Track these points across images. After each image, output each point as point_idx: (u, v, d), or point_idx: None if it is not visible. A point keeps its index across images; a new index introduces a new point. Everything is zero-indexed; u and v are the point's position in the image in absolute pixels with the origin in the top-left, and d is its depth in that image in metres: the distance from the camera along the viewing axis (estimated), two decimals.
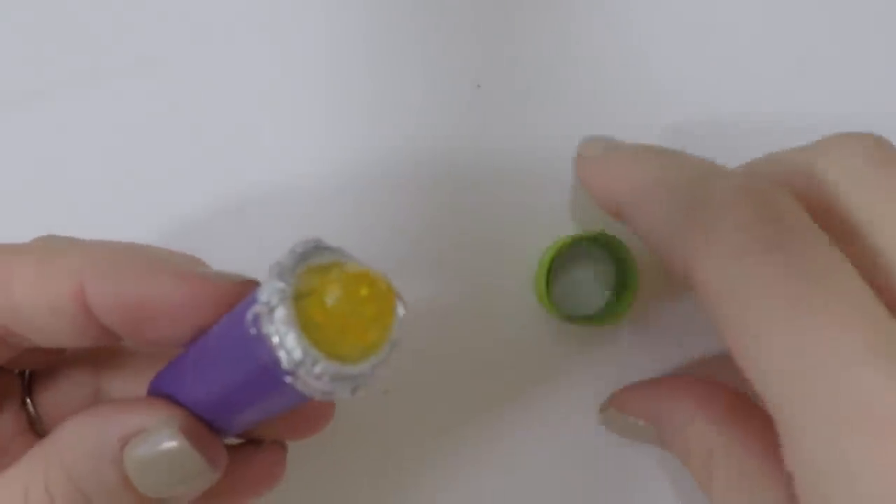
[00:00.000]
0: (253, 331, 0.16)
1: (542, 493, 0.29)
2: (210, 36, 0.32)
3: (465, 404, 0.30)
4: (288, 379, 0.16)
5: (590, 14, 0.31)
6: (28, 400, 0.21)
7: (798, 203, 0.18)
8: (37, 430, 0.21)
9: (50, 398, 0.21)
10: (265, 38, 0.32)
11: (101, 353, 0.22)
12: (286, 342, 0.16)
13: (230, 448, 0.20)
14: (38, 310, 0.18)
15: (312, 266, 0.17)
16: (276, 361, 0.16)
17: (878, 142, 0.20)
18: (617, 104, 0.31)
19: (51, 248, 0.19)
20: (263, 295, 0.16)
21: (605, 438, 0.29)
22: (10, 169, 0.31)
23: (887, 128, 0.29)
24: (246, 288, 0.19)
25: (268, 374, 0.16)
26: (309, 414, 0.21)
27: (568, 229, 0.30)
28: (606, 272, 0.30)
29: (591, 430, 0.29)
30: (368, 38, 0.31)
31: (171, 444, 0.18)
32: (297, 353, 0.16)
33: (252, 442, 0.21)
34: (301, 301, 0.16)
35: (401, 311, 0.17)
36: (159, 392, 0.19)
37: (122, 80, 0.32)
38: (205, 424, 0.18)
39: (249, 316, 0.16)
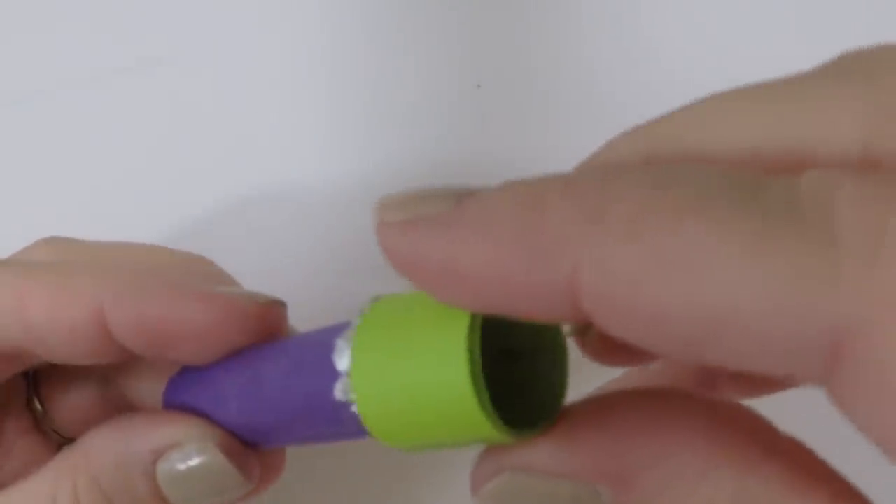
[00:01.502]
0: (335, 396, 0.16)
1: None
2: (209, 37, 0.32)
3: None
4: (367, 435, 0.16)
5: (590, 14, 0.32)
6: (35, 398, 0.21)
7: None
8: (43, 428, 0.21)
9: (56, 395, 0.21)
10: (265, 38, 0.32)
11: None
12: None
13: None
14: (55, 331, 0.18)
15: None
16: (359, 423, 0.16)
17: None
18: (617, 104, 0.31)
19: (68, 266, 0.19)
20: (343, 363, 0.16)
21: None
22: (11, 168, 0.31)
23: None
24: (272, 310, 0.19)
25: (346, 429, 0.16)
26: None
27: None
28: None
29: None
30: (369, 38, 0.32)
31: (207, 458, 0.18)
32: None
33: None
34: None
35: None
36: (181, 404, 0.19)
37: (122, 80, 0.32)
38: (238, 438, 0.19)
39: (338, 387, 0.16)
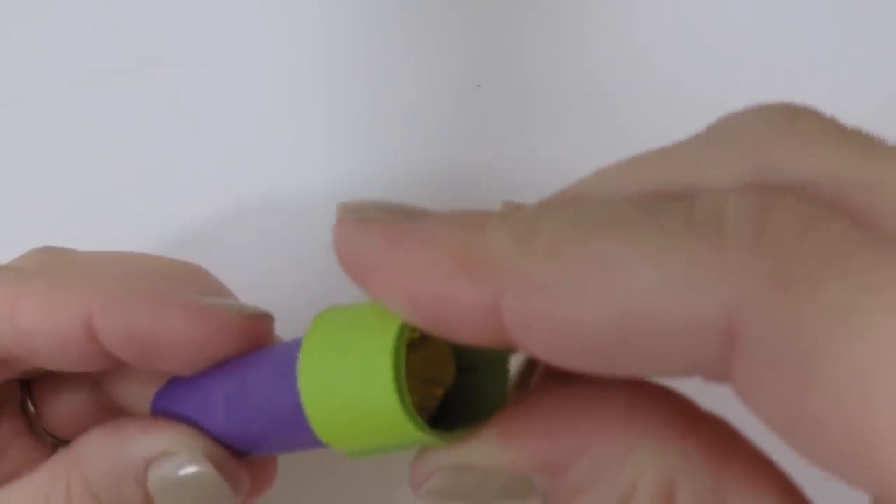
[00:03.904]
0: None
1: None
2: (210, 38, 0.32)
3: None
4: None
5: (590, 14, 0.31)
6: (28, 402, 0.21)
7: None
8: (36, 430, 0.21)
9: (49, 397, 0.21)
10: (264, 38, 0.32)
11: None
12: None
13: None
14: (45, 338, 0.18)
15: None
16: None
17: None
18: (617, 104, 0.31)
19: (59, 274, 0.19)
20: None
21: None
22: (10, 168, 0.31)
23: (890, 126, 0.29)
24: (259, 322, 0.19)
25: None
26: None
27: None
28: None
29: None
30: (368, 38, 0.31)
31: (196, 469, 0.18)
32: None
33: None
34: None
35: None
36: (173, 408, 0.19)
37: (122, 80, 0.32)
38: (227, 449, 0.19)
39: None
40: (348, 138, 0.31)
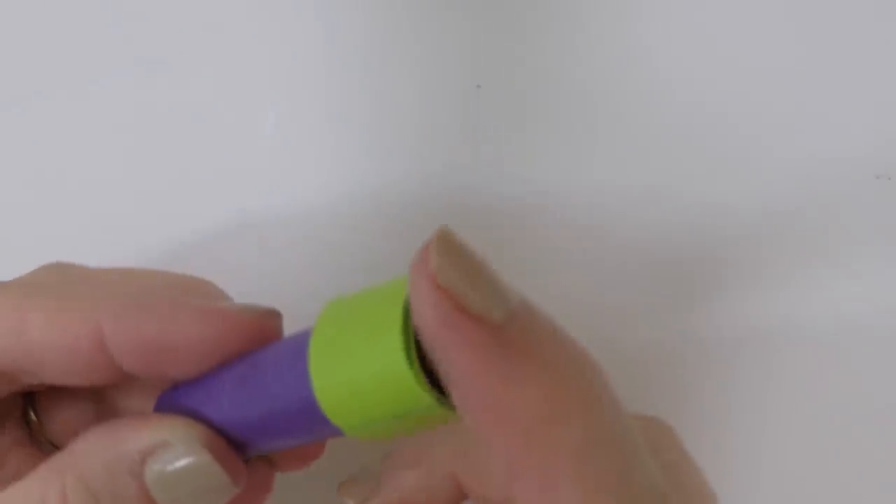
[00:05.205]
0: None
1: None
2: (209, 40, 0.32)
3: None
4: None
5: (590, 14, 0.31)
6: (31, 412, 0.21)
7: None
8: (39, 440, 0.21)
9: (52, 408, 0.22)
10: (263, 38, 0.32)
11: None
12: None
13: None
14: (54, 351, 0.18)
15: None
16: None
17: None
18: (617, 104, 0.31)
19: (66, 288, 0.19)
20: None
21: None
22: (9, 169, 0.31)
23: (887, 123, 0.29)
24: (267, 321, 0.19)
25: (328, 426, 0.17)
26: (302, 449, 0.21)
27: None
28: None
29: None
30: (369, 39, 0.31)
31: (194, 458, 0.18)
32: None
33: None
34: None
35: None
36: (175, 404, 0.19)
37: (122, 80, 0.32)
38: (225, 440, 0.19)
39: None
40: (348, 139, 0.31)
